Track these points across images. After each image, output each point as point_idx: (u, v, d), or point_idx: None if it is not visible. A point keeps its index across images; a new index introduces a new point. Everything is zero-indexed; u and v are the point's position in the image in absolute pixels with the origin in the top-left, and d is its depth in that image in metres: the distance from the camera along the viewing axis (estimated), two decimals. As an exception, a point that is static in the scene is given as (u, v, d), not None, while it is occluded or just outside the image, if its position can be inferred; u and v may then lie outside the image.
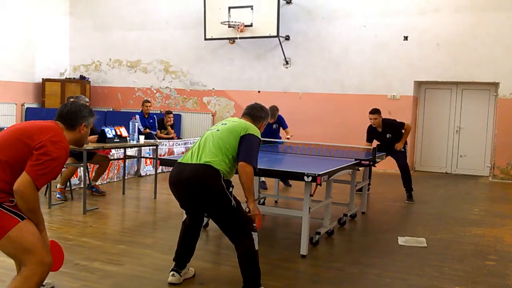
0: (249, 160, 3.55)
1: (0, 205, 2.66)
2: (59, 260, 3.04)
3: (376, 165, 6.17)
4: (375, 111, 7.69)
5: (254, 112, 3.97)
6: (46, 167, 2.66)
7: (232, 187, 3.64)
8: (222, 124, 3.82)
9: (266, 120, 4.00)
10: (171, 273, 3.82)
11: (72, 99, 6.82)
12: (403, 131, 7.83)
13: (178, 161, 3.78)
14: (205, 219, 5.50)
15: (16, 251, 2.69)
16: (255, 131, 3.72)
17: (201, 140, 3.75)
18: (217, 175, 3.52)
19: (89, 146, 6.11)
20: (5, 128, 2.98)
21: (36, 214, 2.73)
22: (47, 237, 2.86)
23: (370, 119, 7.70)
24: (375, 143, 7.66)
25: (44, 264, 2.70)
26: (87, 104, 3.14)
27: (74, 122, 3.01)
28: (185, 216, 3.97)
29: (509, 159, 10.28)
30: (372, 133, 7.87)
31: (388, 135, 7.71)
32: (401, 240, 5.23)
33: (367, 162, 5.70)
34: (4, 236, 2.64)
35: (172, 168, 3.83)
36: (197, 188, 3.51)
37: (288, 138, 7.99)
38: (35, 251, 2.68)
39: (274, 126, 8.57)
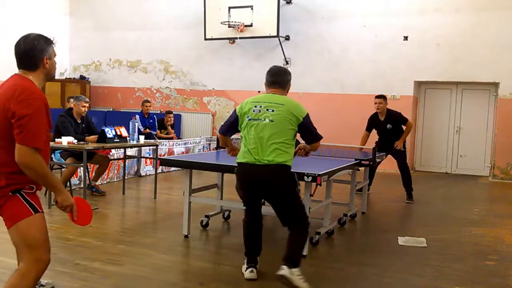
0: (318, 137, 4.05)
1: (19, 192, 2.62)
2: (87, 215, 2.99)
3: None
4: (381, 96, 7.72)
5: (281, 79, 3.99)
6: (31, 127, 2.50)
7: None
8: (267, 109, 3.78)
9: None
10: (249, 269, 3.92)
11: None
12: (404, 127, 7.79)
13: (240, 161, 3.88)
14: (205, 219, 5.52)
15: (19, 243, 2.65)
16: (303, 111, 3.88)
17: (255, 134, 3.76)
18: (290, 171, 3.79)
19: (89, 146, 6.11)
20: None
21: (48, 178, 2.61)
22: (69, 195, 2.75)
23: (375, 103, 7.66)
24: (373, 138, 7.68)
25: (41, 261, 2.64)
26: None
27: (34, 59, 2.74)
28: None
29: (509, 159, 10.28)
30: (373, 121, 7.84)
31: (388, 125, 7.64)
32: (401, 240, 5.23)
33: (367, 162, 5.70)
34: (14, 225, 2.61)
35: (238, 168, 3.95)
36: (275, 189, 3.80)
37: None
38: (36, 247, 2.62)
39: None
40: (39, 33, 2.82)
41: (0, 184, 2.57)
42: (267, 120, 3.75)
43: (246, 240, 4.07)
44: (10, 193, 2.60)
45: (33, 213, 2.62)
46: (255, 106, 3.82)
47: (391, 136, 7.67)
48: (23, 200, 2.62)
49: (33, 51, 2.75)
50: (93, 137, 6.49)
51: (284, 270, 3.65)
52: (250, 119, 3.81)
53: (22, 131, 2.50)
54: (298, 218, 3.88)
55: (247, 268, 3.96)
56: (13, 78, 2.76)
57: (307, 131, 3.94)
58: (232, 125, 4.01)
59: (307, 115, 3.89)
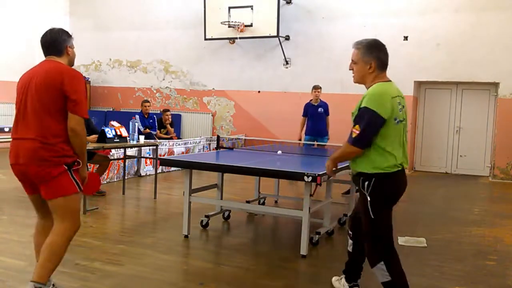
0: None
1: (69, 169, 3.17)
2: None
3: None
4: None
5: (382, 56, 3.30)
6: (81, 100, 3.18)
7: None
8: (400, 106, 3.24)
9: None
10: None
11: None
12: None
13: (399, 163, 3.19)
14: (205, 219, 5.52)
15: (62, 210, 3.16)
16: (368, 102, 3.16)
17: (401, 132, 3.24)
18: None
19: (89, 146, 6.11)
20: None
21: (85, 148, 3.28)
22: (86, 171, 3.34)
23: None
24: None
25: (77, 225, 3.25)
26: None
27: (60, 47, 3.38)
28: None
29: (509, 159, 10.28)
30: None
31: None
32: (401, 240, 5.23)
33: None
34: (62, 197, 3.14)
35: (397, 174, 3.21)
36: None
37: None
38: (76, 215, 3.25)
39: (319, 109, 9.09)
40: (61, 28, 3.48)
41: (63, 152, 3.15)
42: (402, 119, 3.24)
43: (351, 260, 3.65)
44: (65, 167, 3.15)
45: (79, 191, 3.24)
46: (399, 103, 3.23)
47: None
48: (72, 178, 3.19)
49: (58, 40, 3.39)
50: (93, 137, 6.48)
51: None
52: (398, 122, 3.19)
53: (77, 103, 3.13)
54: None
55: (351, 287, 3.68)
56: (49, 62, 3.38)
57: None
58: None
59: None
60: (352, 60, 3.39)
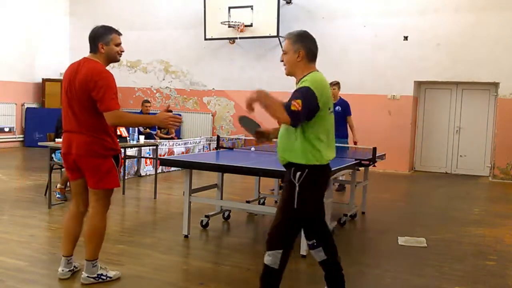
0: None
1: (116, 164, 3.65)
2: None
3: (375, 165, 6.13)
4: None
5: (311, 45, 3.31)
6: (110, 94, 3.43)
7: None
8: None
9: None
10: None
11: None
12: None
13: (330, 156, 3.20)
14: (205, 219, 5.51)
15: (103, 199, 3.66)
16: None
17: (333, 123, 3.26)
18: None
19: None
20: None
21: (139, 121, 4.10)
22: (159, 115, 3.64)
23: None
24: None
25: (109, 206, 3.77)
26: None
27: (94, 45, 3.60)
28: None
29: (509, 159, 10.28)
30: None
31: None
32: (401, 240, 5.23)
33: (367, 162, 5.70)
34: (104, 189, 3.63)
35: (328, 167, 3.24)
36: None
37: (355, 143, 7.97)
38: (109, 201, 3.76)
39: (336, 108, 8.04)
40: (106, 25, 3.63)
41: (106, 145, 3.55)
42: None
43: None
44: (113, 161, 3.61)
45: (118, 186, 3.74)
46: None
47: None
48: (117, 173, 3.67)
49: (93, 38, 3.61)
50: None
51: None
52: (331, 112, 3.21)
53: (104, 99, 3.43)
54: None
55: None
56: (86, 60, 3.58)
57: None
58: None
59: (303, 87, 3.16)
60: (283, 51, 3.35)
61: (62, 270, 3.77)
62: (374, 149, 5.77)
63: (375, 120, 11.25)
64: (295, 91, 3.10)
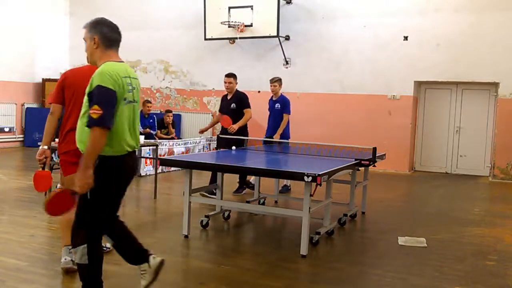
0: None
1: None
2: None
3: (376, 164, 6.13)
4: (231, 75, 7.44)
5: (106, 31, 3.18)
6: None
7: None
8: (130, 87, 3.25)
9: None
10: None
11: None
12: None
13: (128, 146, 3.19)
14: (205, 219, 5.52)
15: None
16: (99, 79, 2.99)
17: (132, 114, 3.24)
18: None
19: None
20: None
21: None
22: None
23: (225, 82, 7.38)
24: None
25: None
26: None
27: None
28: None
29: (509, 159, 10.28)
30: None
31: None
32: (401, 240, 5.23)
33: (367, 162, 5.70)
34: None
35: (124, 158, 3.19)
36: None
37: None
38: None
39: (276, 105, 8.08)
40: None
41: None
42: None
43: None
44: None
45: None
46: (129, 84, 3.16)
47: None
48: None
49: None
50: None
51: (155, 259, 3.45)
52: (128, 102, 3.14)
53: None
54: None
55: None
56: (94, 66, 3.42)
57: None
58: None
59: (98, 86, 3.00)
60: (83, 40, 3.28)
61: (65, 259, 3.93)
62: (374, 149, 5.77)
63: (375, 120, 11.25)
64: (92, 96, 2.98)
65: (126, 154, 3.16)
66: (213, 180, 6.64)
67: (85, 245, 3.09)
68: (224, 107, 7.50)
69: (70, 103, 3.82)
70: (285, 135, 7.92)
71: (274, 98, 8.14)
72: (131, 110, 3.17)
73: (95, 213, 3.12)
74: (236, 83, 7.50)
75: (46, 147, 3.86)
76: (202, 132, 8.13)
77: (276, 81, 8.05)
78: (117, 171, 3.14)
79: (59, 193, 3.17)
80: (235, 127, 7.05)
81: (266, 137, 7.86)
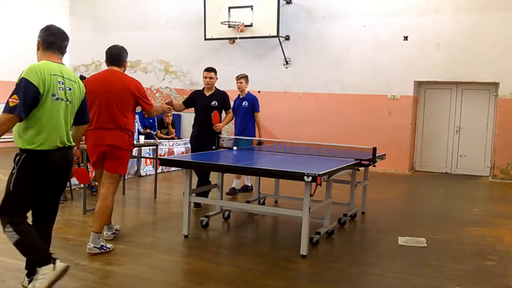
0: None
1: (131, 152, 4.84)
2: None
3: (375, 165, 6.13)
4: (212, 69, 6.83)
5: (46, 36, 3.54)
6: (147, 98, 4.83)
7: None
8: (62, 85, 3.44)
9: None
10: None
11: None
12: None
13: (54, 142, 3.34)
14: (205, 219, 5.51)
15: (111, 180, 4.62)
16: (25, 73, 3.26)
17: (63, 111, 3.41)
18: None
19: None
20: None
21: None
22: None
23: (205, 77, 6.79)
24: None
25: (116, 188, 4.77)
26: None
27: (120, 60, 4.65)
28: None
29: (509, 159, 10.28)
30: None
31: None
32: (401, 240, 5.23)
33: (367, 162, 5.70)
34: (117, 173, 4.63)
35: (48, 152, 3.32)
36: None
37: (260, 143, 7.31)
38: (118, 183, 4.76)
39: (244, 103, 7.54)
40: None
41: (131, 141, 4.64)
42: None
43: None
44: (130, 152, 4.69)
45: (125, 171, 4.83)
46: (60, 82, 3.38)
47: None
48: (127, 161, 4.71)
49: (121, 54, 4.68)
50: None
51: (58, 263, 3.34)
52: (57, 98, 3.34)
53: (147, 102, 4.71)
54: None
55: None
56: (113, 71, 4.62)
57: None
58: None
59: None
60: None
61: (106, 234, 4.77)
62: (374, 149, 5.77)
63: (375, 120, 11.25)
64: (16, 87, 3.27)
65: (55, 150, 3.32)
66: (201, 184, 6.44)
67: (8, 225, 3.26)
68: (202, 104, 6.72)
69: (91, 106, 4.35)
70: (250, 134, 7.45)
71: (240, 96, 7.70)
72: (63, 108, 3.37)
73: (14, 201, 3.28)
74: (217, 79, 6.91)
75: (76, 147, 4.09)
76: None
77: (242, 78, 7.67)
78: (40, 166, 3.29)
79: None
80: (222, 126, 6.73)
81: (234, 139, 7.33)
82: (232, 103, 7.26)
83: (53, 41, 3.51)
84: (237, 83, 7.74)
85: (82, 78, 14.25)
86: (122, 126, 4.50)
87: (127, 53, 4.70)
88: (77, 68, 14.55)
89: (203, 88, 6.92)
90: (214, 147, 6.41)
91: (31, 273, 3.33)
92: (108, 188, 4.58)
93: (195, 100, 6.87)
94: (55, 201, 3.58)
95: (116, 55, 4.63)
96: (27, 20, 13.20)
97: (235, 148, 6.44)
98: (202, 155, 5.72)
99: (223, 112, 7.01)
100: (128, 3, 13.92)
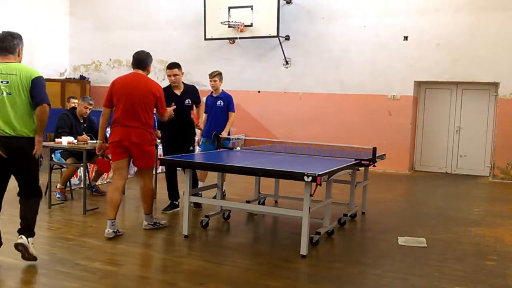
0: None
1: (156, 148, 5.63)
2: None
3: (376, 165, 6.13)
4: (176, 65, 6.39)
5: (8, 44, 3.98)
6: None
7: None
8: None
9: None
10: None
11: (72, 99, 7.97)
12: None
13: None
14: (205, 219, 5.51)
15: (146, 173, 5.22)
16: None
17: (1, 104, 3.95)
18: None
19: (89, 146, 6.11)
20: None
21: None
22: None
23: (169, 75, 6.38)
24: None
25: (152, 179, 5.43)
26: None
27: (146, 64, 5.17)
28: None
29: (509, 159, 10.28)
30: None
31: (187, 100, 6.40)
32: (401, 240, 5.23)
33: (367, 162, 5.70)
34: (150, 167, 5.25)
35: None
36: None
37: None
38: (152, 175, 5.42)
39: (218, 102, 7.12)
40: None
41: (153, 137, 5.20)
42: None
43: None
44: (153, 147, 5.23)
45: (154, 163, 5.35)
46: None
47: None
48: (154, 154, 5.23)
49: (147, 59, 5.19)
50: (84, 137, 6.47)
51: (23, 239, 4.04)
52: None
53: (164, 107, 5.25)
54: (36, 187, 4.22)
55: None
56: (138, 74, 5.13)
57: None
58: None
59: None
60: None
61: (108, 231, 4.93)
62: (374, 149, 5.77)
63: (375, 120, 11.25)
64: None
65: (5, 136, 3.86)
66: (171, 187, 6.37)
67: None
68: (175, 104, 5.88)
69: (117, 105, 5.01)
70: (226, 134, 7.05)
71: (214, 95, 7.23)
72: (3, 100, 3.86)
73: None
74: (182, 74, 6.43)
75: (101, 141, 5.20)
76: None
77: (216, 75, 7.21)
78: None
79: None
80: (201, 125, 6.59)
81: (206, 138, 6.98)
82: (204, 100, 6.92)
83: (1, 45, 3.97)
84: (211, 81, 7.28)
85: (82, 78, 14.36)
86: (144, 124, 4.99)
87: (152, 59, 5.21)
88: (77, 68, 14.56)
89: (170, 85, 6.39)
90: (191, 148, 6.37)
91: None
92: (145, 180, 5.20)
93: (166, 99, 5.91)
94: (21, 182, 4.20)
95: (142, 60, 5.14)
96: (27, 20, 13.20)
97: (238, 148, 6.42)
98: (202, 155, 5.71)
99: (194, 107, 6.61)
100: (128, 3, 13.91)
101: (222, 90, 7.34)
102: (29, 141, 3.94)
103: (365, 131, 11.18)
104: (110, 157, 5.24)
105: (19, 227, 4.11)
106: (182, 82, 6.44)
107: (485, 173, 10.85)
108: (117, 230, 5.04)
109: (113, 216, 4.95)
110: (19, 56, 4.02)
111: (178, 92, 6.34)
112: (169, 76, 6.35)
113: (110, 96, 5.05)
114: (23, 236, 4.03)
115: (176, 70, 6.29)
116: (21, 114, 3.88)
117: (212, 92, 7.36)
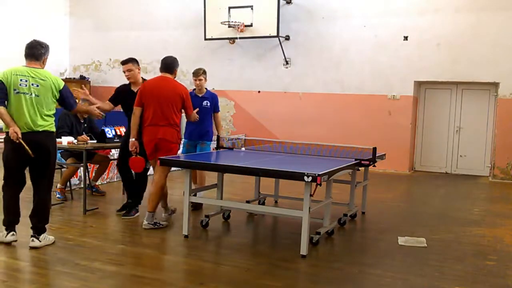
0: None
1: (179, 146, 5.75)
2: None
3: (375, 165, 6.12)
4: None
5: (26, 49, 4.64)
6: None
7: None
8: (25, 82, 4.39)
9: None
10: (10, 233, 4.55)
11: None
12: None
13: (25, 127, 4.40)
14: (205, 219, 5.52)
15: (162, 169, 5.34)
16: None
17: (25, 103, 4.37)
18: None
19: (89, 146, 6.11)
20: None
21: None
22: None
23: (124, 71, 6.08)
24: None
25: (166, 176, 5.47)
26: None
27: (172, 68, 5.66)
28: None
29: (509, 159, 10.28)
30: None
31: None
32: (401, 240, 5.23)
33: (367, 162, 5.70)
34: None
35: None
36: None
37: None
38: (167, 172, 5.46)
39: (204, 102, 6.68)
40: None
41: (179, 136, 5.51)
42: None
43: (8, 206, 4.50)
44: (177, 144, 5.50)
45: None
46: (22, 80, 4.36)
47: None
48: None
49: (173, 64, 5.72)
50: (84, 137, 6.47)
51: (35, 242, 4.42)
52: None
53: (190, 108, 5.60)
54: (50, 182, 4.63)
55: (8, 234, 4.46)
56: (166, 77, 5.60)
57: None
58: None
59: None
60: None
61: (163, 215, 5.59)
62: (374, 149, 5.77)
63: (375, 120, 11.25)
64: None
65: (26, 132, 4.28)
66: (128, 189, 6.11)
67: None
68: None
69: (147, 106, 5.32)
70: (208, 135, 6.68)
71: (199, 94, 6.74)
72: (22, 99, 4.32)
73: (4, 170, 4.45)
74: (139, 69, 6.23)
75: (133, 139, 5.40)
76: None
77: (203, 74, 6.80)
78: (12, 143, 4.27)
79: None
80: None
81: (189, 141, 6.77)
82: None
83: (27, 52, 4.61)
84: (196, 80, 6.78)
85: (82, 78, 14.33)
86: (171, 123, 5.31)
87: (178, 63, 5.69)
88: (77, 68, 14.55)
89: (129, 84, 6.06)
90: (243, 148, 6.52)
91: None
92: (160, 176, 5.32)
93: (124, 98, 5.90)
94: (37, 175, 4.47)
95: (169, 64, 5.59)
96: (27, 20, 13.21)
97: (243, 148, 6.39)
98: (202, 155, 5.72)
99: None
100: (128, 3, 13.91)
101: (206, 89, 6.95)
102: (51, 135, 4.48)
103: (365, 131, 11.18)
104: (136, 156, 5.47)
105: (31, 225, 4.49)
106: (141, 78, 6.13)
107: (485, 173, 10.85)
108: (171, 210, 5.86)
109: (154, 208, 5.31)
110: (43, 63, 4.57)
111: (134, 89, 5.88)
112: (123, 72, 6.05)
113: (140, 96, 5.36)
114: (35, 239, 4.45)
115: (129, 65, 6.02)
116: (45, 113, 4.41)
117: (194, 90, 6.82)
